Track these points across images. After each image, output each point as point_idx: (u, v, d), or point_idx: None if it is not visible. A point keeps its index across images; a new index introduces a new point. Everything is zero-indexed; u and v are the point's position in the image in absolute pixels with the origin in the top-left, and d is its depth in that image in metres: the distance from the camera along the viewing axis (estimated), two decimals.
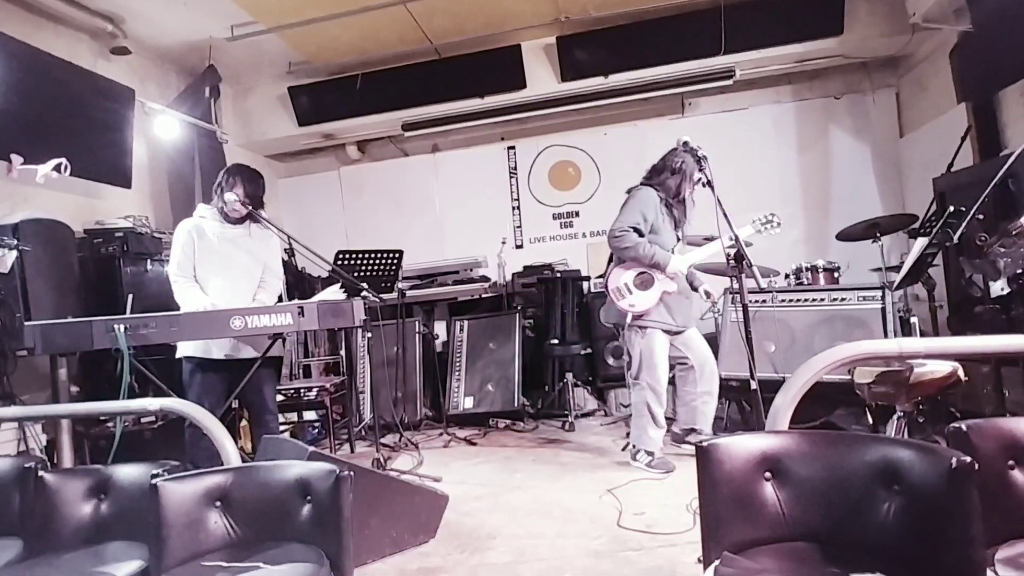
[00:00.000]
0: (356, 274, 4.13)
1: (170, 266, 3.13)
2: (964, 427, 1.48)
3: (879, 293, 3.63)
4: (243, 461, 2.02)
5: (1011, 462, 1.47)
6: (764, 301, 3.86)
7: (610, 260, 3.58)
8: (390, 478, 2.74)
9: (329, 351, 5.47)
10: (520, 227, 6.19)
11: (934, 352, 2.13)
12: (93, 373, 3.55)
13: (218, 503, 1.73)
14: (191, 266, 3.10)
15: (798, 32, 4.94)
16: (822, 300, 3.81)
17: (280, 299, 3.42)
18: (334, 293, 3.34)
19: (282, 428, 4.33)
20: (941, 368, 2.38)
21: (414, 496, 2.65)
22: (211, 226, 3.13)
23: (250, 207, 3.12)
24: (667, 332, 3.44)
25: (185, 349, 3.06)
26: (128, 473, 1.94)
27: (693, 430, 3.53)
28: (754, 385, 2.51)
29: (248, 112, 5.97)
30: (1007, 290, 2.90)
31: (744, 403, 4.01)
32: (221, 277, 3.11)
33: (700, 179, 3.24)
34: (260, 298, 3.22)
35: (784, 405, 1.83)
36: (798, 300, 3.89)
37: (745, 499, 1.49)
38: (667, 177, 3.39)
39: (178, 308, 3.06)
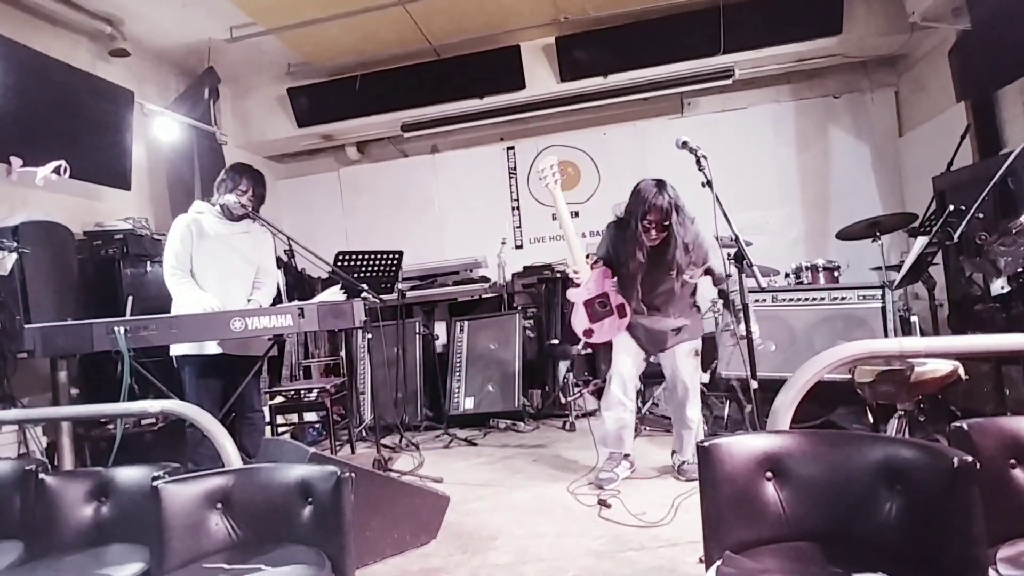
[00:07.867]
0: (356, 275, 4.11)
1: (166, 260, 3.02)
2: (965, 426, 1.47)
3: (879, 292, 3.63)
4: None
5: (1012, 461, 1.47)
6: (764, 300, 3.86)
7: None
8: (391, 479, 2.74)
9: (329, 352, 5.47)
10: (520, 227, 6.19)
11: (934, 351, 2.13)
12: (93, 375, 3.56)
13: (219, 505, 1.72)
14: (188, 260, 3.01)
15: (797, 31, 4.95)
16: (822, 299, 3.81)
17: (279, 299, 3.42)
18: (334, 294, 3.32)
19: (282, 429, 4.34)
20: (942, 367, 2.39)
21: (415, 497, 2.64)
22: (210, 223, 3.08)
23: (252, 206, 3.09)
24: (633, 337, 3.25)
25: (179, 348, 3.00)
26: (129, 475, 1.93)
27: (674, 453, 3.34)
28: (754, 385, 2.51)
29: (247, 113, 5.97)
30: (1007, 288, 2.90)
31: (745, 402, 4.00)
32: (216, 276, 3.06)
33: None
34: (256, 298, 3.20)
35: (785, 405, 1.83)
36: (798, 299, 3.89)
37: (746, 499, 1.49)
38: None
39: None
